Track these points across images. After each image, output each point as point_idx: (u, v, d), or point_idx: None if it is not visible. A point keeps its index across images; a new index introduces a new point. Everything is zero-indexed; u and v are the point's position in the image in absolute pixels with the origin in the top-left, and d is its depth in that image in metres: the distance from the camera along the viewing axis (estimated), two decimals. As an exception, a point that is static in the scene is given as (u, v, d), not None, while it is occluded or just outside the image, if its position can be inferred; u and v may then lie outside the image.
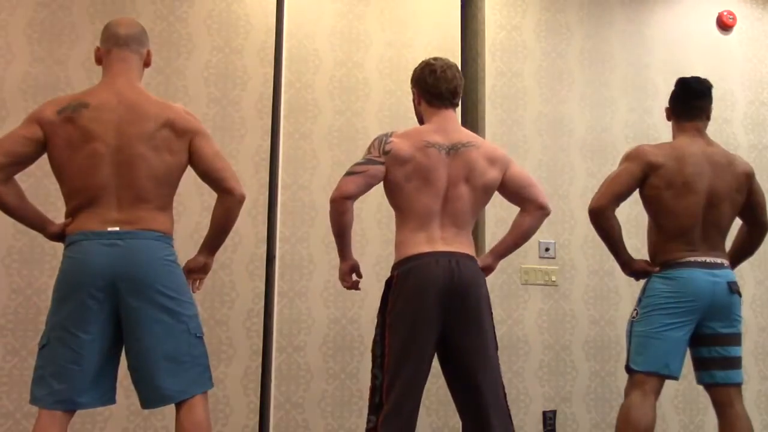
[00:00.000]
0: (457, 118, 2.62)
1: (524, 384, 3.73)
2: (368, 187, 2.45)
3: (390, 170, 2.42)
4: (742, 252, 3.02)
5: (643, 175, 2.81)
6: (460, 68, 2.77)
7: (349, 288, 2.60)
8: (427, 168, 2.41)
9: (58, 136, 2.24)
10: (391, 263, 3.60)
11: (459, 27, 3.90)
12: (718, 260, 2.79)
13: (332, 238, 3.54)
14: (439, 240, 2.40)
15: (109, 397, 2.27)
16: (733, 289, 2.76)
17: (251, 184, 3.40)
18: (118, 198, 2.23)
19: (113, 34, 2.35)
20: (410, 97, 2.61)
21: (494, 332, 2.44)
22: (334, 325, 3.51)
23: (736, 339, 2.77)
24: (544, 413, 3.73)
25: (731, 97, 4.27)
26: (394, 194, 2.47)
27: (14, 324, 3.11)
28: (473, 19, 4.03)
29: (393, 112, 3.71)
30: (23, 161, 2.26)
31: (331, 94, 3.65)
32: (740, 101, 4.31)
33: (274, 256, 3.46)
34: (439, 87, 2.50)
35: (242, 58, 3.52)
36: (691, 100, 2.90)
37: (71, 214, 2.27)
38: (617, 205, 2.81)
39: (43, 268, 3.16)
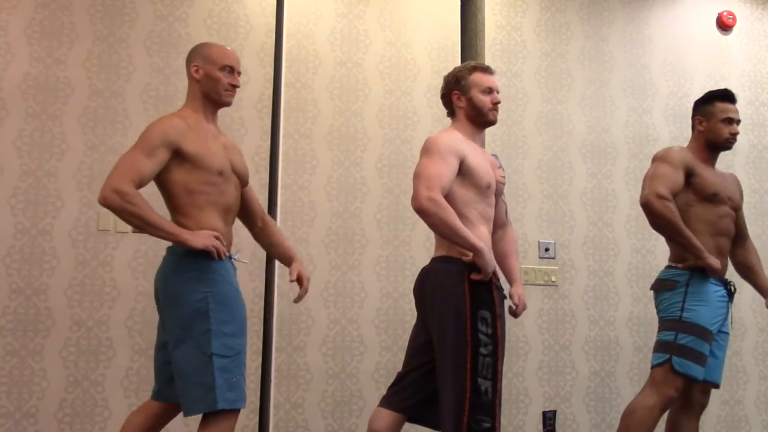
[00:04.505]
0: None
1: (524, 384, 3.73)
2: None
3: None
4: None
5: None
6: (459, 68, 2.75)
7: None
8: None
9: None
10: (391, 263, 3.62)
11: (459, 27, 3.90)
12: None
13: (331, 238, 3.57)
14: None
15: None
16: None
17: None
18: None
19: None
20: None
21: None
22: (334, 325, 3.51)
23: (659, 325, 2.88)
24: (544, 413, 3.73)
25: (731, 97, 4.27)
26: None
27: (14, 324, 3.11)
28: (473, 19, 4.02)
29: (393, 112, 3.71)
30: None
31: (330, 94, 3.65)
32: (740, 101, 4.27)
33: (274, 256, 3.47)
34: None
35: (242, 58, 3.51)
36: None
37: None
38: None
39: (43, 268, 3.16)
